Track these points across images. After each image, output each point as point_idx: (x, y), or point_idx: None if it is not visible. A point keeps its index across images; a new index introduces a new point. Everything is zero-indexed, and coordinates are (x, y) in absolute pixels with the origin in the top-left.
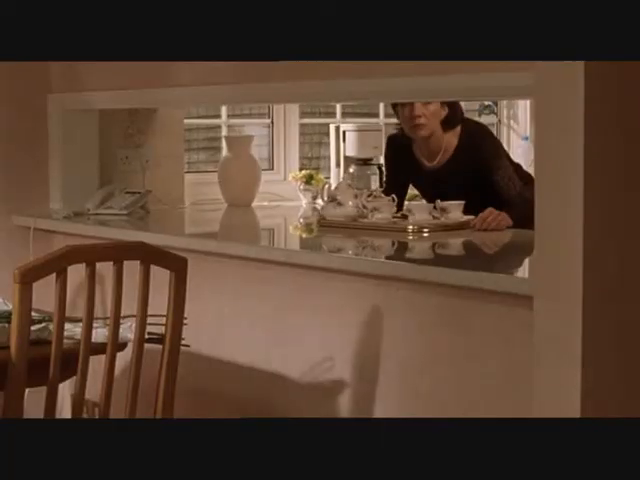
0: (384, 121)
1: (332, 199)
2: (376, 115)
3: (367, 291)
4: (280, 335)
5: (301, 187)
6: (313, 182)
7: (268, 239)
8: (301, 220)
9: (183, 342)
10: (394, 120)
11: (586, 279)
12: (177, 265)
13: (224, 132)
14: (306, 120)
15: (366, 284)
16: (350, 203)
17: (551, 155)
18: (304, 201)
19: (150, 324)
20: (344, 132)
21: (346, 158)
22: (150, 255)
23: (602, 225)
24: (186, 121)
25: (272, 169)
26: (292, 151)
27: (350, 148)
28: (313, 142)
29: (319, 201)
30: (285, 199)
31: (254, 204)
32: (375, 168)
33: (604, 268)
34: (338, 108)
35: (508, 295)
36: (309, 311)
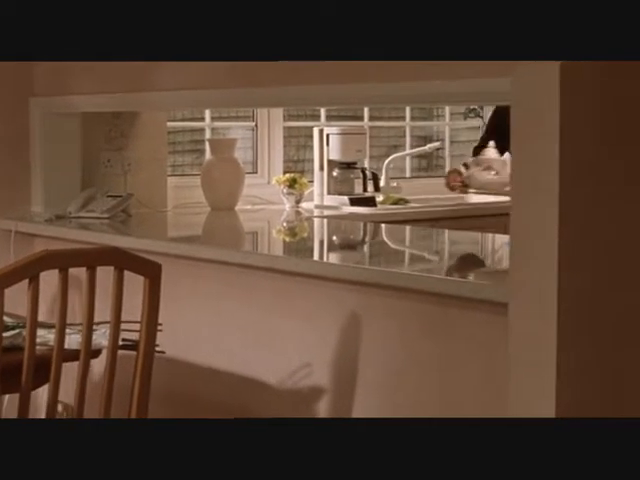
0: (369, 124)
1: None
2: (361, 118)
3: (347, 297)
4: (259, 340)
5: (284, 191)
6: (296, 186)
7: (249, 243)
8: (284, 224)
9: (158, 348)
10: (379, 123)
11: (561, 286)
12: (151, 271)
13: (208, 135)
14: (290, 123)
15: (346, 290)
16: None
17: (527, 161)
18: (287, 205)
19: (125, 330)
20: (328, 135)
21: (330, 161)
22: (124, 261)
23: (578, 231)
24: (170, 124)
25: (256, 172)
26: (276, 154)
27: (334, 151)
28: (300, 145)
29: (303, 204)
30: (269, 202)
31: (238, 207)
32: (359, 172)
33: (579, 275)
34: (322, 111)
35: (487, 302)
36: (289, 316)
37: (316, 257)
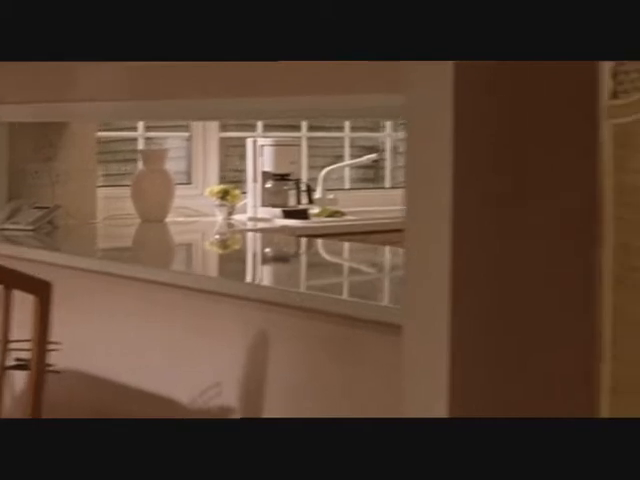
0: (307, 135)
1: None
2: (298, 128)
3: (257, 316)
4: (172, 358)
5: (216, 202)
6: (228, 197)
7: (170, 257)
8: (216, 236)
9: (52, 368)
10: (317, 134)
11: (454, 305)
12: (40, 290)
13: (140, 145)
14: (226, 134)
15: (256, 309)
16: None
17: (419, 179)
18: (220, 217)
19: (18, 350)
20: (262, 146)
21: (264, 173)
22: (11, 279)
23: (471, 249)
24: (103, 134)
25: (190, 183)
26: (211, 165)
27: (267, 163)
28: (243, 154)
29: (235, 217)
30: (202, 214)
31: (170, 219)
32: (292, 184)
33: (472, 293)
34: (259, 122)
35: (393, 325)
36: (201, 334)
37: (237, 275)
